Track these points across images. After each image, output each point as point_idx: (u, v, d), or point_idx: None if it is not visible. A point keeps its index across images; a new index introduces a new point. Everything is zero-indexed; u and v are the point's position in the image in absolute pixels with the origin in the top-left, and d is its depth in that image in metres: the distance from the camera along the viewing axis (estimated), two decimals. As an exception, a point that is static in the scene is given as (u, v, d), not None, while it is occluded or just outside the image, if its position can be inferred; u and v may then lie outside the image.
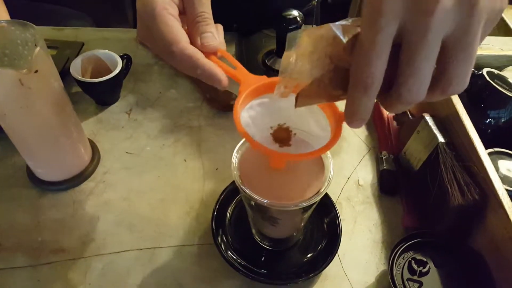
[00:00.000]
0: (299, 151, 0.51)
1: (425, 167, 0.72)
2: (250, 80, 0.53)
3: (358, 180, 0.81)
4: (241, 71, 0.54)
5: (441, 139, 0.69)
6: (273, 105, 0.54)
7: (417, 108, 0.83)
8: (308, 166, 0.59)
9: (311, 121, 0.54)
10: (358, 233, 0.74)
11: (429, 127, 0.72)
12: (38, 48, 0.59)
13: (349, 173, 0.82)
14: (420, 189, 0.74)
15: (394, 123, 0.88)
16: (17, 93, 0.60)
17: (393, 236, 0.73)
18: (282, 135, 0.55)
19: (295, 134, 0.55)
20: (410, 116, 0.81)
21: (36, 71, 0.60)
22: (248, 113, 0.53)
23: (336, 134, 0.49)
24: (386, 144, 0.84)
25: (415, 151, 0.75)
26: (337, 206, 0.73)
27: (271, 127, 0.55)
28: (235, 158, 0.58)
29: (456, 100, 0.71)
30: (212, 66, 0.52)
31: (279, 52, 0.97)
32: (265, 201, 0.54)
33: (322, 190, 0.55)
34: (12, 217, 0.73)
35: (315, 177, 0.58)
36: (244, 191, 0.55)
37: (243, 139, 0.60)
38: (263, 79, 0.53)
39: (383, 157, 0.82)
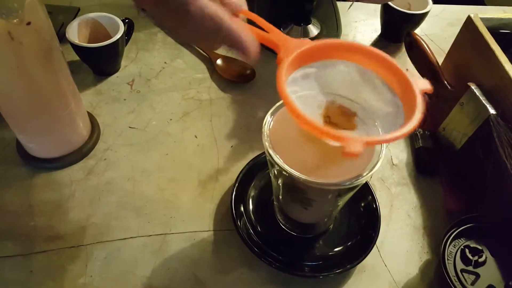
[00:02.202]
0: (364, 134, 0.43)
1: (472, 144, 0.64)
2: (291, 45, 0.43)
3: (391, 158, 0.73)
4: (278, 35, 0.45)
5: (492, 110, 0.61)
6: (322, 76, 0.45)
7: (458, 77, 0.74)
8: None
9: (372, 96, 0.45)
10: (396, 218, 0.65)
11: (477, 98, 0.63)
12: (30, -4, 0.50)
13: (384, 153, 0.73)
14: (466, 169, 0.66)
15: (426, 96, 0.79)
16: (6, 49, 0.51)
17: (435, 221, 0.65)
18: (338, 116, 0.45)
19: (354, 113, 0.46)
20: (449, 87, 0.72)
21: (29, 23, 0.50)
22: (291, 89, 0.43)
23: (418, 106, 0.40)
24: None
25: (458, 126, 0.67)
26: (372, 188, 0.65)
27: (321, 106, 0.46)
28: (266, 126, 0.49)
29: (509, 66, 0.62)
30: (241, 27, 0.42)
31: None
32: (305, 178, 0.45)
33: (376, 165, 0.46)
34: (0, 199, 0.64)
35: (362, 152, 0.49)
36: (279, 166, 0.46)
37: (276, 105, 0.51)
38: (307, 44, 0.43)
39: (418, 134, 0.73)
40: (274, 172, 0.51)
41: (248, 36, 0.43)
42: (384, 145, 0.48)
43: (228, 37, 0.42)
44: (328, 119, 0.45)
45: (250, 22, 0.46)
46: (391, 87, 0.44)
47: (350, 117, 0.46)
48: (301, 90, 0.44)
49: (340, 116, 0.46)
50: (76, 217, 0.63)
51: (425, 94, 0.78)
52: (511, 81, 0.61)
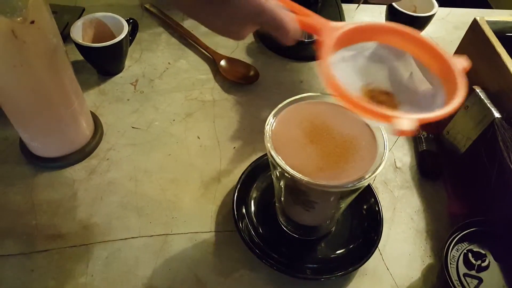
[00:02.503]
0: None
1: (476, 148, 0.63)
2: (331, 28, 0.44)
3: (395, 162, 0.72)
4: (316, 19, 0.45)
5: (496, 114, 0.60)
6: (359, 59, 0.45)
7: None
8: (357, 141, 0.49)
9: (410, 77, 0.45)
10: (398, 221, 0.65)
11: (482, 101, 0.63)
12: (34, -5, 0.50)
13: (387, 156, 0.73)
14: (469, 173, 0.65)
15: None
16: (10, 48, 0.51)
17: (438, 225, 0.64)
18: (379, 97, 0.45)
19: (393, 94, 0.45)
20: (454, 90, 0.72)
21: (32, 22, 0.50)
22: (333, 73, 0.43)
23: (458, 82, 0.40)
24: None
25: (463, 130, 0.66)
26: (375, 191, 0.64)
27: (360, 88, 0.45)
28: (268, 127, 0.49)
29: (514, 71, 0.62)
30: (282, 10, 0.43)
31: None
32: (307, 180, 0.45)
33: (379, 167, 0.46)
34: (2, 198, 0.64)
35: (364, 154, 0.48)
36: (281, 167, 0.46)
37: (278, 106, 0.51)
38: (345, 26, 0.44)
39: (422, 137, 0.73)
40: (276, 174, 0.51)
41: (289, 18, 0.43)
42: (387, 147, 0.47)
43: (271, 20, 0.42)
44: (370, 101, 0.44)
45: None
46: (429, 68, 0.44)
47: (391, 98, 0.45)
48: (341, 73, 0.44)
49: (381, 97, 0.45)
50: (78, 216, 0.62)
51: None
52: (516, 85, 0.60)
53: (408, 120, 0.36)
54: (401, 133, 0.36)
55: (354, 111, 0.39)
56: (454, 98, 0.40)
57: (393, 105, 0.45)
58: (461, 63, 0.42)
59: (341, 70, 0.44)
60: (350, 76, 0.45)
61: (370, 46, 0.46)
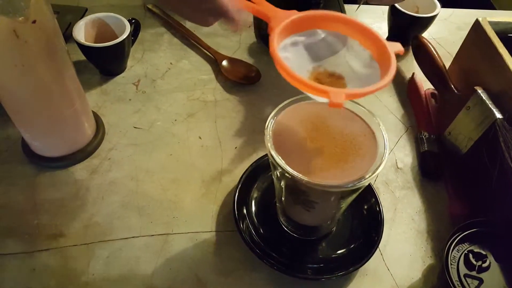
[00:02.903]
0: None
1: (478, 148, 0.63)
2: (281, 16, 0.46)
3: (396, 162, 0.72)
4: (268, 7, 0.47)
5: (498, 115, 0.60)
6: (309, 44, 0.47)
7: (465, 81, 0.74)
8: (357, 141, 0.49)
9: (354, 61, 0.47)
10: (399, 222, 0.65)
11: (483, 102, 0.63)
12: (36, -6, 0.50)
13: (387, 156, 0.73)
14: (471, 173, 0.65)
15: (433, 100, 0.79)
16: (12, 47, 0.51)
17: (439, 225, 0.64)
18: (327, 78, 0.47)
19: (339, 75, 0.48)
20: (455, 90, 0.72)
21: (34, 22, 0.51)
22: (281, 54, 0.45)
23: (391, 64, 0.43)
24: (426, 123, 0.75)
25: (464, 130, 0.66)
26: (376, 192, 0.64)
27: (309, 70, 0.48)
28: (269, 127, 0.49)
29: (516, 71, 0.62)
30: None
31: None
32: (307, 180, 0.45)
33: (379, 167, 0.46)
34: (4, 197, 0.64)
35: (364, 154, 0.48)
36: (282, 167, 0.46)
37: (279, 107, 0.51)
38: (295, 14, 0.46)
39: (424, 138, 0.73)
40: (277, 174, 0.51)
41: (234, 5, 0.46)
42: (387, 147, 0.48)
43: (216, 6, 0.45)
44: (318, 81, 0.47)
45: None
46: (370, 52, 0.47)
47: (338, 79, 0.47)
48: (291, 56, 0.46)
49: (329, 78, 0.47)
50: (79, 216, 0.63)
51: (431, 98, 0.78)
52: (517, 85, 0.60)
53: (338, 94, 0.39)
54: (333, 104, 0.39)
55: (299, 88, 0.41)
56: (383, 79, 0.42)
57: (340, 86, 0.47)
58: (396, 47, 0.44)
59: (291, 54, 0.46)
60: (300, 59, 0.47)
61: (319, 32, 0.48)
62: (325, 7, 0.90)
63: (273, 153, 0.47)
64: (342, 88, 0.46)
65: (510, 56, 0.63)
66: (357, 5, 0.79)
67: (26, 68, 0.53)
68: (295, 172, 0.45)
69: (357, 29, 0.47)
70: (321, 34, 0.48)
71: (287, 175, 0.46)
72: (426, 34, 0.97)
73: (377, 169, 0.46)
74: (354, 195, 0.52)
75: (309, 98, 0.52)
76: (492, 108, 0.61)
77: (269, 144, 0.48)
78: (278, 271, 0.56)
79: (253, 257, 0.57)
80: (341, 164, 0.47)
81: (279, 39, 0.45)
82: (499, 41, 0.66)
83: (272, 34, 0.44)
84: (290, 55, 0.46)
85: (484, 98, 0.63)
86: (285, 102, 0.52)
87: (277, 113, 0.51)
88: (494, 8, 1.62)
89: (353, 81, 0.47)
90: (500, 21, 0.71)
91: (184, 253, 0.60)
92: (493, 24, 0.69)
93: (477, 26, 0.70)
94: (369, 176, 0.46)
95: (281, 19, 0.45)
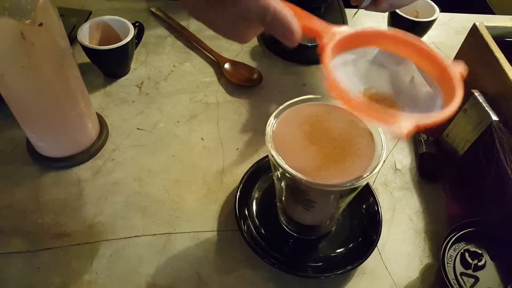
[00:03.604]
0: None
1: (475, 150, 0.64)
2: (332, 33, 0.45)
3: (395, 163, 0.73)
4: (318, 22, 0.46)
5: (494, 117, 0.61)
6: (361, 64, 0.46)
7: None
8: (355, 142, 0.50)
9: (409, 83, 0.46)
10: (398, 222, 0.66)
11: (480, 104, 0.64)
12: (42, -2, 0.51)
13: (385, 156, 0.74)
14: (468, 174, 0.66)
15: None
16: (19, 49, 0.52)
17: (436, 225, 0.65)
18: (378, 102, 0.45)
19: (393, 99, 0.46)
20: (453, 94, 0.73)
21: (41, 24, 0.52)
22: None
23: (455, 86, 0.41)
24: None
25: (462, 132, 0.67)
26: (375, 192, 0.65)
27: (361, 92, 0.45)
28: (269, 128, 0.50)
29: (512, 74, 0.63)
30: (287, 11, 0.43)
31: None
32: (306, 179, 0.46)
33: (376, 167, 0.47)
34: (9, 197, 0.65)
35: (362, 155, 0.50)
36: (282, 167, 0.47)
37: (280, 108, 0.52)
38: (346, 31, 0.45)
39: (422, 140, 0.74)
40: (278, 175, 0.52)
41: (294, 19, 0.44)
42: (385, 147, 0.49)
43: (276, 21, 0.43)
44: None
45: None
46: (428, 74, 0.45)
47: (391, 102, 0.45)
48: (342, 76, 0.44)
49: (382, 102, 0.45)
50: (83, 215, 0.64)
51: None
52: (514, 88, 0.61)
53: (407, 122, 0.36)
54: (401, 135, 0.36)
55: (356, 113, 0.40)
56: (452, 102, 0.40)
57: (393, 109, 0.45)
58: (458, 68, 0.43)
59: (342, 74, 0.45)
60: (351, 80, 0.45)
61: (371, 51, 0.47)
62: (326, 11, 0.92)
63: (274, 153, 0.48)
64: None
65: (506, 60, 0.64)
66: (355, 10, 0.80)
67: (32, 69, 0.55)
68: (295, 171, 0.46)
69: (415, 49, 0.45)
70: (373, 52, 0.47)
71: (287, 174, 0.47)
72: (426, 38, 0.98)
73: (374, 168, 0.47)
74: (353, 195, 0.53)
75: (308, 100, 0.53)
76: (488, 111, 0.62)
77: (269, 145, 0.49)
78: (279, 269, 0.57)
79: (254, 256, 0.58)
80: (339, 164, 0.48)
81: (331, 57, 0.44)
82: (496, 45, 0.67)
83: (324, 53, 0.42)
84: (341, 75, 0.44)
85: (480, 100, 0.64)
86: (286, 104, 0.53)
87: (278, 114, 0.52)
88: (493, 13, 1.63)
89: (408, 105, 0.45)
90: (497, 25, 0.72)
91: (186, 252, 0.61)
92: (490, 28, 0.71)
93: (474, 30, 0.72)
94: (367, 176, 0.47)
95: (333, 36, 0.44)
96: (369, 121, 0.40)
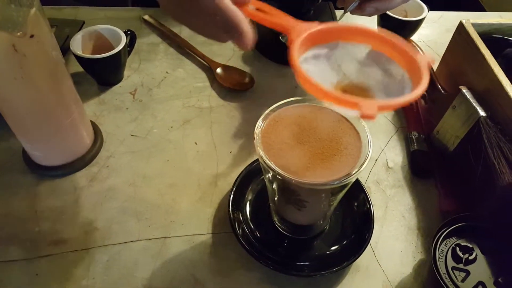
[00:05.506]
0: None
1: (464, 146, 0.65)
2: (300, 28, 0.45)
3: (387, 162, 0.74)
4: (287, 19, 0.47)
5: (482, 112, 0.62)
6: (332, 56, 0.47)
7: (451, 82, 0.76)
8: (343, 141, 0.51)
9: (380, 73, 0.46)
10: (390, 219, 0.67)
11: (468, 100, 0.65)
12: (33, 9, 0.52)
13: (377, 155, 0.75)
14: (458, 170, 0.67)
15: (422, 101, 0.81)
16: (11, 61, 0.53)
17: (429, 222, 0.66)
18: (351, 91, 0.46)
19: (366, 87, 0.46)
20: (442, 91, 0.74)
21: (32, 36, 0.53)
22: (303, 67, 0.44)
23: (422, 72, 0.41)
24: (416, 123, 0.77)
25: (451, 129, 0.68)
26: (366, 190, 0.66)
27: (333, 83, 0.46)
28: (258, 130, 0.51)
29: (498, 70, 0.64)
30: (237, 12, 0.44)
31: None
32: (295, 179, 0.47)
33: (363, 164, 0.48)
34: (7, 206, 0.66)
35: (350, 153, 0.50)
36: (271, 168, 0.48)
37: (267, 110, 0.53)
38: (316, 26, 0.46)
39: (413, 137, 0.75)
40: (269, 177, 0.53)
41: (243, 20, 0.44)
42: (371, 145, 0.50)
43: (222, 18, 0.43)
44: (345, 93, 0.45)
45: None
46: (397, 63, 0.46)
47: (365, 91, 0.46)
48: (313, 69, 0.45)
49: (355, 91, 0.46)
50: (79, 222, 0.64)
51: (421, 99, 0.80)
52: (500, 84, 0.62)
53: (371, 105, 0.37)
54: (365, 116, 0.37)
55: (326, 100, 0.40)
56: (417, 89, 0.41)
57: (367, 97, 0.45)
58: (426, 59, 0.43)
59: (314, 67, 0.46)
60: (323, 72, 0.46)
61: (341, 44, 0.48)
62: (316, 13, 0.93)
63: (263, 154, 0.49)
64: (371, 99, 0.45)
65: (492, 56, 0.65)
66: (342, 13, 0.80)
67: (25, 80, 0.55)
68: (284, 172, 0.47)
69: (383, 41, 0.46)
70: (345, 46, 0.47)
71: (278, 176, 0.48)
72: (416, 37, 0.99)
73: (361, 165, 0.48)
74: (343, 192, 0.54)
75: (296, 101, 0.54)
76: (476, 107, 0.63)
77: (258, 147, 0.50)
78: (273, 270, 0.58)
79: (248, 257, 0.59)
80: (328, 163, 0.49)
81: (300, 51, 0.45)
82: (482, 42, 0.68)
83: (292, 46, 0.43)
84: (312, 67, 0.46)
85: (468, 97, 0.65)
86: (273, 106, 0.54)
87: (266, 116, 0.53)
88: (484, 10, 1.64)
89: (381, 93, 0.46)
90: (484, 22, 0.73)
91: (181, 255, 0.62)
92: (476, 25, 0.72)
93: (461, 28, 0.73)
94: (355, 173, 0.48)
95: (302, 31, 0.45)
96: (337, 107, 0.41)
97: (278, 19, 0.47)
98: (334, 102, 0.39)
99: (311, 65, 0.46)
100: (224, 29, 0.45)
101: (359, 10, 0.72)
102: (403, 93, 0.43)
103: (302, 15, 0.89)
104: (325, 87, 0.39)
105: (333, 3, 0.99)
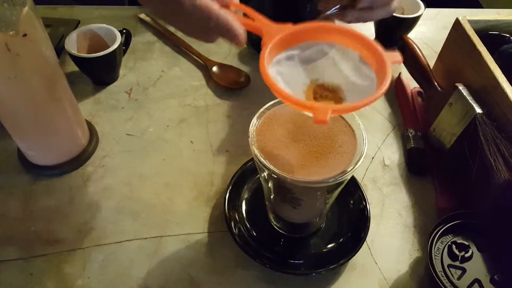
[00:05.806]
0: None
1: (460, 143, 0.65)
2: (274, 30, 0.46)
3: (383, 160, 0.74)
4: (262, 21, 0.47)
5: (478, 109, 0.62)
6: (305, 57, 0.47)
7: (448, 79, 0.75)
8: (338, 139, 0.51)
9: (352, 72, 0.46)
10: (387, 217, 0.66)
11: (464, 98, 0.64)
12: (26, 8, 0.52)
13: (373, 153, 0.75)
14: (455, 168, 0.67)
15: (419, 98, 0.81)
16: (4, 61, 0.53)
17: (426, 219, 0.66)
18: (324, 92, 0.46)
19: (338, 88, 0.47)
20: (439, 88, 0.73)
21: (25, 35, 0.52)
22: (276, 69, 0.45)
23: (386, 76, 0.41)
24: (412, 121, 0.77)
25: (448, 126, 0.68)
26: (362, 188, 0.66)
27: (306, 84, 0.47)
28: (252, 129, 0.51)
29: (494, 67, 0.63)
30: (229, 16, 0.45)
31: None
32: (290, 177, 0.47)
33: (358, 162, 0.48)
34: (2, 206, 0.66)
35: (345, 151, 0.50)
36: (265, 166, 0.48)
37: (262, 109, 0.53)
38: (289, 28, 0.46)
39: (410, 135, 0.74)
40: (264, 176, 0.53)
41: (236, 23, 0.45)
42: (366, 143, 0.49)
43: (217, 24, 0.44)
44: (316, 95, 0.46)
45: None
46: (368, 63, 0.46)
47: (336, 92, 0.46)
48: (286, 70, 0.46)
49: (326, 92, 0.46)
50: (74, 222, 0.64)
51: (418, 96, 0.79)
52: (496, 81, 0.62)
53: (324, 110, 0.38)
54: (317, 121, 0.38)
55: (289, 105, 0.41)
56: (376, 92, 0.41)
57: (338, 99, 0.46)
58: (393, 58, 0.43)
59: (287, 68, 0.46)
60: (296, 73, 0.46)
61: (314, 44, 0.48)
62: (312, 13, 0.92)
63: (257, 153, 0.49)
64: (340, 100, 0.46)
65: (488, 53, 0.65)
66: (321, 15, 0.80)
67: (18, 80, 0.55)
68: (279, 171, 0.47)
69: (354, 39, 0.46)
70: (318, 46, 0.48)
71: (273, 175, 0.48)
72: (413, 34, 0.99)
73: (356, 163, 0.48)
74: (338, 190, 0.53)
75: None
76: (472, 104, 0.63)
77: (253, 145, 0.50)
78: (270, 268, 0.58)
79: (244, 256, 0.59)
80: (322, 161, 0.49)
81: (273, 53, 0.45)
82: (478, 38, 0.68)
83: (262, 50, 0.44)
84: (285, 69, 0.46)
85: (464, 94, 0.65)
86: (268, 104, 0.53)
87: (261, 115, 0.53)
88: (481, 7, 1.64)
89: (353, 93, 0.46)
90: (480, 19, 0.73)
91: (177, 254, 0.61)
92: (472, 22, 0.71)
93: (457, 25, 0.72)
94: (350, 170, 0.47)
95: (275, 34, 0.45)
96: (298, 110, 0.42)
97: (253, 21, 0.47)
98: (293, 106, 0.40)
99: (285, 66, 0.46)
100: (218, 31, 0.45)
101: (340, 16, 0.71)
102: (371, 92, 0.43)
103: (298, 12, 0.89)
104: (285, 91, 0.40)
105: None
